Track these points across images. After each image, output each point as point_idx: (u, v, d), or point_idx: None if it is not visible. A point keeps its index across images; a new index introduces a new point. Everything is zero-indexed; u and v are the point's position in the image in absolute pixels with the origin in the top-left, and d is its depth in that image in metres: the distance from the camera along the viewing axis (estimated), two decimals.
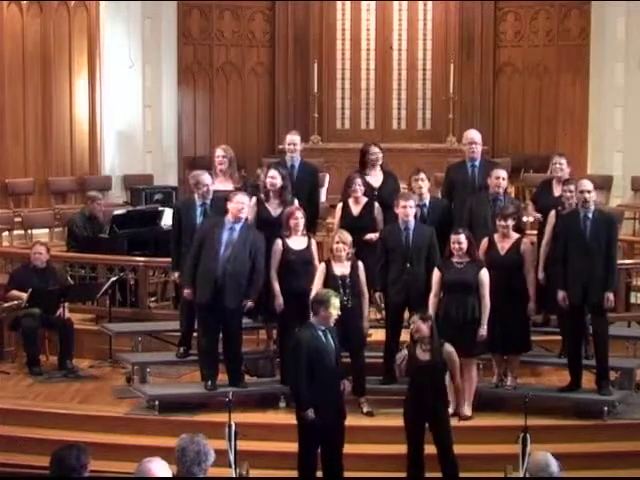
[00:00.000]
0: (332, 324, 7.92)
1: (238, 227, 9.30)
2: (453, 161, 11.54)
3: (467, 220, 9.87)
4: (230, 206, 9.29)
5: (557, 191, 10.13)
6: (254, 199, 9.97)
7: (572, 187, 9.59)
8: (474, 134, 10.74)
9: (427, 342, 8.09)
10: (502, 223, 9.35)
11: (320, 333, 7.88)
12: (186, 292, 9.48)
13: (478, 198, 10.09)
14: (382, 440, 8.80)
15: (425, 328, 8.08)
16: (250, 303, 9.32)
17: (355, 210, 10.17)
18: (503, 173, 10.07)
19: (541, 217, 10.08)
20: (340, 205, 10.36)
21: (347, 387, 8.05)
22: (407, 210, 9.44)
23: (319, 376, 7.81)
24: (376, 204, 10.16)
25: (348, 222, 9.96)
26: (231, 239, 9.27)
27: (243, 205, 9.26)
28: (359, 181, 10.15)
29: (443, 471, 8.08)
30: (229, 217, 9.31)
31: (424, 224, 9.68)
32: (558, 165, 10.19)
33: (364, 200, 10.16)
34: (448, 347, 8.17)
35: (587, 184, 9.25)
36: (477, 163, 10.53)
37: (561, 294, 9.22)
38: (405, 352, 8.20)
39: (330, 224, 11.77)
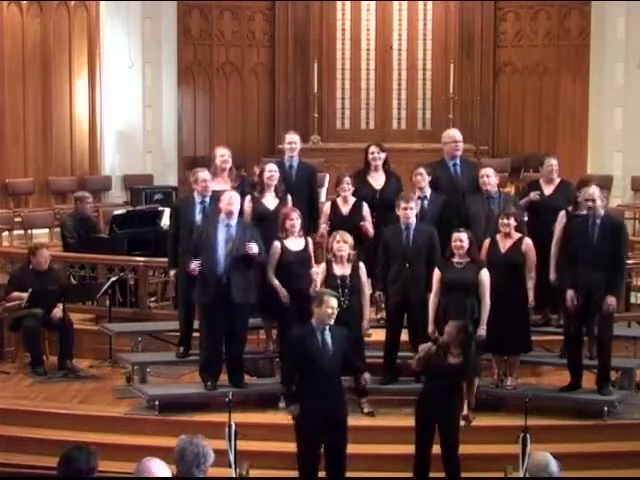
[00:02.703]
0: (330, 323, 7.82)
1: (234, 223, 9.31)
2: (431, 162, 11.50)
3: (464, 220, 9.86)
4: (221, 204, 9.32)
5: (547, 190, 10.22)
6: (248, 197, 9.99)
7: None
8: (455, 132, 10.88)
9: (457, 348, 8.07)
10: (504, 221, 9.35)
11: (318, 334, 7.80)
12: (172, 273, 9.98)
13: (473, 198, 10.11)
14: (383, 440, 8.80)
15: (457, 337, 8.07)
16: (253, 246, 9.20)
17: (344, 210, 10.17)
18: (489, 171, 10.13)
19: (538, 196, 10.10)
20: (328, 204, 10.38)
21: (366, 378, 7.92)
22: (407, 212, 9.45)
23: (311, 376, 7.76)
24: (364, 203, 10.17)
25: (338, 221, 9.95)
26: (230, 235, 9.27)
27: (232, 200, 9.26)
28: (348, 180, 10.17)
29: (446, 471, 8.09)
30: (222, 215, 9.32)
31: (424, 222, 9.68)
32: (555, 168, 10.28)
33: (352, 200, 10.17)
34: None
35: (592, 192, 9.23)
36: (458, 161, 10.57)
37: (570, 293, 9.21)
38: (429, 345, 8.16)
39: None
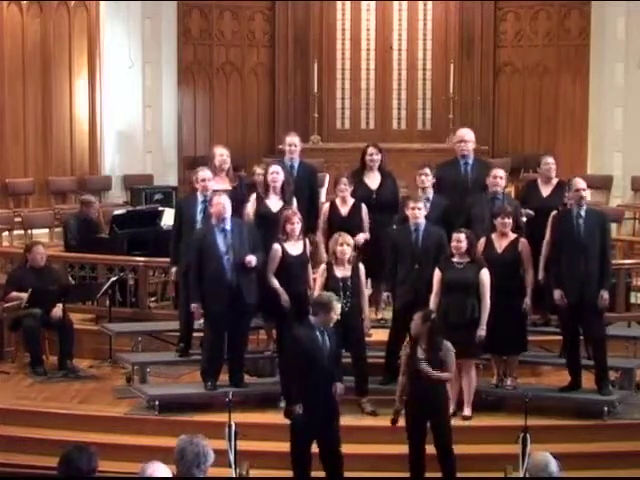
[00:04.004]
0: (331, 326, 7.94)
1: (229, 227, 9.30)
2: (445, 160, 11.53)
3: (465, 220, 9.87)
4: (212, 210, 9.31)
5: (545, 191, 10.21)
6: (254, 195, 10.00)
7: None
8: (464, 132, 10.79)
9: (425, 341, 8.10)
10: (505, 221, 9.34)
11: (318, 333, 7.89)
12: (194, 306, 9.37)
13: (476, 198, 10.10)
14: (384, 440, 8.78)
15: (422, 327, 8.10)
16: (251, 258, 9.21)
17: (343, 210, 10.17)
18: (501, 172, 10.10)
19: (533, 213, 10.09)
20: (327, 205, 10.38)
21: (339, 389, 7.93)
22: (416, 212, 9.45)
23: (311, 375, 7.81)
24: (363, 205, 10.17)
25: (337, 222, 9.96)
26: (227, 241, 9.26)
27: (224, 205, 9.25)
28: (345, 180, 10.19)
29: (442, 470, 8.09)
30: (214, 221, 9.32)
31: (432, 224, 9.66)
32: (552, 166, 10.28)
33: (351, 201, 10.17)
34: (448, 345, 8.18)
35: (581, 182, 9.33)
36: (470, 161, 10.53)
37: (558, 293, 9.23)
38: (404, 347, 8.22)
39: None
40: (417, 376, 8.08)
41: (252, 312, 9.50)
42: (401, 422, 8.25)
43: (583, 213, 9.23)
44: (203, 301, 9.33)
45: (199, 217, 9.86)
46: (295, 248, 9.44)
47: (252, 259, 9.21)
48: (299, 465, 7.91)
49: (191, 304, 9.41)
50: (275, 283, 9.36)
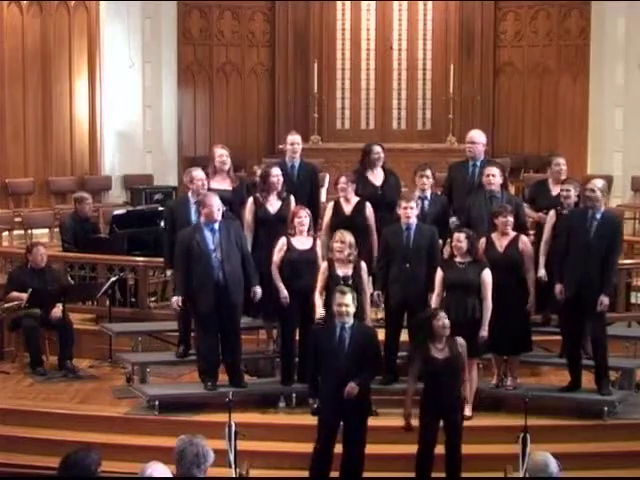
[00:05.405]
0: (346, 321, 7.94)
1: (217, 225, 9.29)
2: (453, 161, 11.56)
3: (465, 219, 9.87)
4: (204, 211, 9.30)
5: (555, 190, 10.19)
6: (250, 199, 9.99)
7: (570, 187, 9.66)
8: (474, 133, 10.77)
9: (444, 341, 8.10)
10: (506, 219, 9.32)
11: (337, 330, 7.95)
12: (175, 299, 9.41)
13: (476, 197, 10.09)
14: (384, 440, 8.78)
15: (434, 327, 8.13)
16: (258, 290, 9.37)
17: (347, 209, 10.17)
18: (494, 170, 10.03)
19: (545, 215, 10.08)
20: (330, 204, 10.38)
21: (348, 388, 7.87)
22: (408, 211, 9.43)
23: (325, 371, 7.89)
24: (367, 204, 10.18)
25: (340, 221, 9.95)
26: (216, 239, 9.26)
27: (218, 208, 9.25)
28: (343, 179, 10.19)
29: (447, 470, 8.09)
30: (203, 220, 9.32)
31: (425, 223, 9.68)
32: (563, 167, 10.24)
33: (355, 199, 10.18)
34: (460, 341, 8.21)
35: (596, 183, 9.24)
36: (478, 163, 10.53)
37: (558, 287, 9.21)
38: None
39: None
40: (433, 375, 8.07)
41: (241, 310, 9.49)
42: (401, 422, 8.24)
43: (598, 216, 9.13)
44: (192, 300, 9.34)
45: (194, 217, 9.84)
46: (302, 243, 9.41)
47: (257, 291, 9.34)
48: (314, 464, 7.92)
49: (175, 296, 9.44)
50: (278, 279, 9.35)
